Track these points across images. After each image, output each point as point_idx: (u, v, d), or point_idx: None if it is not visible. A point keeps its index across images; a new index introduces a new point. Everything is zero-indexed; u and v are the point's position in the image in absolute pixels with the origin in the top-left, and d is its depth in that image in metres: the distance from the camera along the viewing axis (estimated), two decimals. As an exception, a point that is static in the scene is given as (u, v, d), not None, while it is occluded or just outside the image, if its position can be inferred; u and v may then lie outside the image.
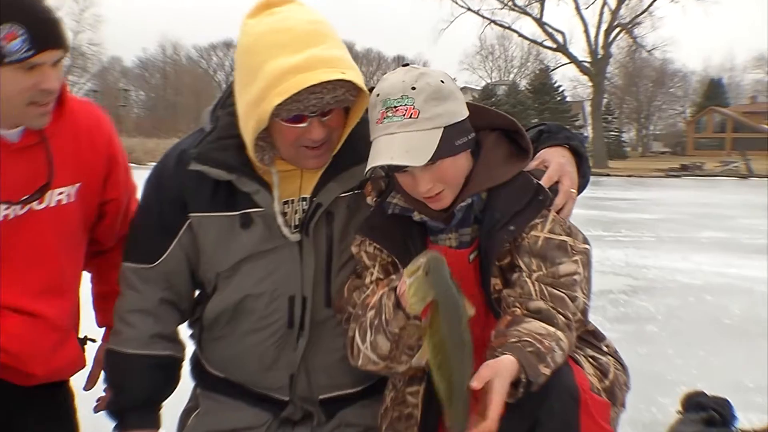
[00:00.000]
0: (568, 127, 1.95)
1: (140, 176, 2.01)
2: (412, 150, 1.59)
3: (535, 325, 1.57)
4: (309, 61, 1.63)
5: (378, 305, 1.63)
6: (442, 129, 1.62)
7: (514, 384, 1.46)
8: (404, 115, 1.61)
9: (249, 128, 1.71)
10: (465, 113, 1.69)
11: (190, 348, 2.03)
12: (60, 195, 1.83)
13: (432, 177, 1.64)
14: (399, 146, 1.60)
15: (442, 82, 1.65)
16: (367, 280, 1.80)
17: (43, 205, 1.79)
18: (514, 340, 1.52)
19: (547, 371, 1.50)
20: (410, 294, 1.48)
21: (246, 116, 1.72)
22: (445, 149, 1.62)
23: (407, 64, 1.71)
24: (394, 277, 1.69)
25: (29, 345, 1.78)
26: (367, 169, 1.65)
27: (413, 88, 1.62)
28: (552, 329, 1.57)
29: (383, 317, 1.61)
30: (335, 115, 1.74)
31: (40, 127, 1.74)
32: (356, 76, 1.67)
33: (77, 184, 1.87)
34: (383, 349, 1.65)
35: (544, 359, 1.50)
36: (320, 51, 1.65)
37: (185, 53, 72.45)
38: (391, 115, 1.62)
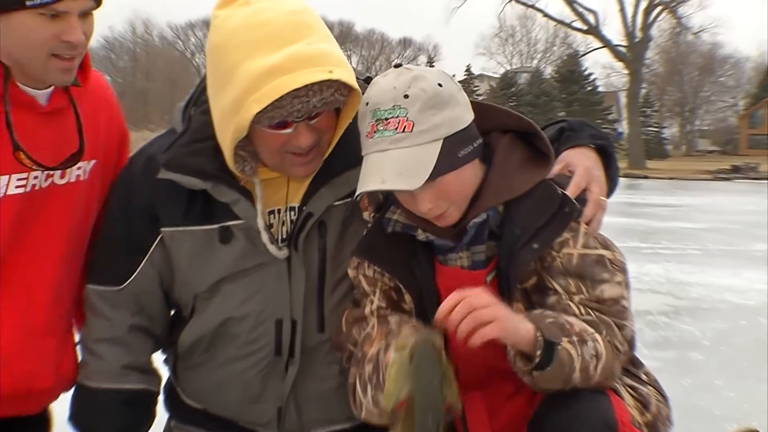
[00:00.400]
0: (599, 121, 1.96)
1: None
2: (405, 171, 1.58)
3: (569, 317, 1.60)
4: (290, 61, 1.62)
5: (375, 362, 1.65)
6: (441, 141, 1.61)
7: (528, 357, 1.52)
8: (396, 128, 1.60)
9: (226, 138, 1.70)
10: (469, 118, 1.68)
11: (164, 376, 2.04)
12: (78, 170, 1.86)
13: (433, 196, 1.64)
14: (391, 167, 1.59)
15: (440, 85, 1.64)
16: (367, 310, 1.80)
17: (64, 180, 1.83)
18: (536, 312, 1.58)
19: (570, 348, 1.52)
20: (389, 375, 1.49)
21: (222, 124, 1.71)
22: (445, 164, 1.61)
23: (400, 65, 1.70)
24: (393, 327, 1.70)
25: (33, 355, 1.80)
26: (357, 193, 1.65)
27: (406, 96, 1.61)
28: (590, 329, 1.59)
29: (380, 377, 1.62)
30: (324, 117, 1.74)
31: (65, 84, 1.78)
32: (345, 73, 1.66)
33: (93, 161, 1.90)
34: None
35: (567, 335, 1.54)
36: (302, 47, 1.64)
37: (158, 32, 72.86)
38: (382, 128, 1.61)
